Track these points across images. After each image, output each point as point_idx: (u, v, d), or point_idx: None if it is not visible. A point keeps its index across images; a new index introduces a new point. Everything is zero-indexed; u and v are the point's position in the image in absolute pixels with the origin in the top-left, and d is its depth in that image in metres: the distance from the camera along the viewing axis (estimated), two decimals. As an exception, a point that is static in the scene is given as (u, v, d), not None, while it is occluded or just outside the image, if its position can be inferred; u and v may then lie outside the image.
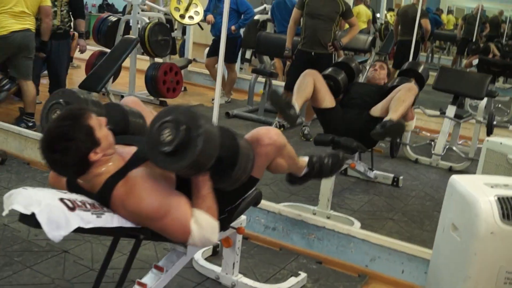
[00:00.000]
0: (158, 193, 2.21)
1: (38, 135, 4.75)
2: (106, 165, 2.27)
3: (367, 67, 8.27)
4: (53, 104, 2.50)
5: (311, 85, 4.27)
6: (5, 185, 4.29)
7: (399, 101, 4.10)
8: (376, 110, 4.24)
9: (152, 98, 7.57)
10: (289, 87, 5.96)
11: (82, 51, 6.20)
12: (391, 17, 13.61)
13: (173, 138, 2.13)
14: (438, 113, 6.29)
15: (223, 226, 2.63)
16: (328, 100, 4.36)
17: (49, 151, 2.17)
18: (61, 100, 2.52)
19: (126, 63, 7.13)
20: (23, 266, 3.15)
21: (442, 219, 2.90)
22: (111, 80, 6.57)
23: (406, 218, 4.36)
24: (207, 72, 8.42)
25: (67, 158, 2.17)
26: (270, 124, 6.65)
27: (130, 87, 7.74)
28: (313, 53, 5.98)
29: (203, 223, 2.29)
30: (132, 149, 2.40)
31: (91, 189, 2.29)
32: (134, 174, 2.25)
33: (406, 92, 4.14)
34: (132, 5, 7.87)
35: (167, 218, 2.22)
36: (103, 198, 2.26)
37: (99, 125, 2.25)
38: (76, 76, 8.58)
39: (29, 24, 5.44)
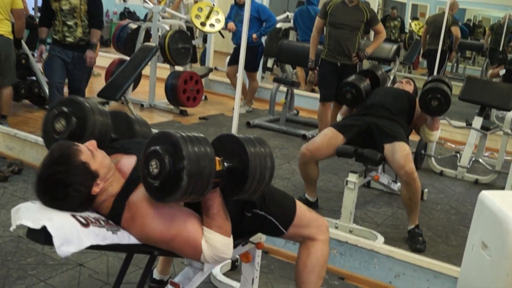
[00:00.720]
0: (162, 216, 2.11)
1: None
2: (109, 188, 2.18)
3: (391, 77, 8.14)
4: (59, 114, 2.39)
5: (313, 167, 4.28)
6: (21, 195, 4.23)
7: (409, 203, 4.01)
8: (387, 150, 4.00)
9: (172, 107, 7.50)
10: (326, 98, 5.93)
11: (89, 63, 5.66)
12: (415, 26, 13.47)
13: (159, 171, 1.99)
14: (464, 124, 6.16)
15: (243, 225, 2.52)
16: (338, 144, 4.16)
17: (49, 199, 2.07)
18: (65, 109, 2.41)
19: (146, 71, 7.09)
20: (37, 280, 3.08)
21: (471, 236, 2.77)
22: (130, 88, 6.52)
23: (431, 233, 4.23)
24: (228, 81, 8.34)
25: (69, 203, 2.08)
26: (290, 134, 6.57)
27: (150, 96, 7.69)
28: (338, 64, 5.83)
29: (213, 243, 2.18)
30: (131, 161, 2.29)
31: (101, 211, 2.21)
32: (135, 197, 2.15)
33: (406, 187, 3.94)
34: (152, 13, 7.83)
35: (175, 240, 2.13)
36: (113, 219, 2.18)
37: (92, 154, 2.14)
38: (96, 84, 8.54)
39: (3, 29, 5.58)
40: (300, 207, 2.61)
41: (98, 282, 3.13)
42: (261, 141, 2.25)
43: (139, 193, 2.14)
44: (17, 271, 3.15)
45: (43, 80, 6.58)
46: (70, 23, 5.43)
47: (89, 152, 2.13)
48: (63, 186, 2.05)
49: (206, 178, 2.01)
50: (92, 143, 2.19)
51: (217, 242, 2.17)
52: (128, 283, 2.94)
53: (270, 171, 2.21)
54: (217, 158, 2.10)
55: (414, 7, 16.61)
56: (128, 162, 2.29)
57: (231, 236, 2.24)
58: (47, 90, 6.34)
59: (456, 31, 8.94)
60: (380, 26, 6.01)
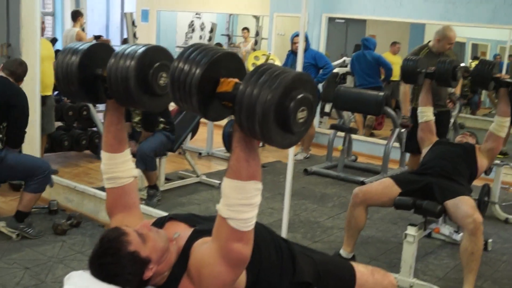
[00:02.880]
0: (213, 247, 2.01)
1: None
2: (165, 267, 2.14)
3: (451, 120, 7.99)
4: (159, 66, 2.22)
5: (361, 212, 4.14)
6: (78, 249, 4.27)
7: (469, 260, 3.76)
8: (450, 205, 3.89)
9: (229, 155, 7.49)
10: (411, 150, 5.83)
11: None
12: (476, 66, 13.21)
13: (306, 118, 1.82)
14: (529, 168, 5.96)
15: None
16: (391, 197, 4.07)
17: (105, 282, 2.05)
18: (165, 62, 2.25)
19: (204, 119, 7.13)
20: None
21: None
22: (188, 137, 6.56)
23: (497, 286, 4.07)
24: (285, 127, 8.31)
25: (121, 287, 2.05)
26: (349, 180, 6.48)
27: (207, 144, 7.73)
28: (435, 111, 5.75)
29: (224, 192, 1.93)
30: (190, 231, 2.24)
31: (156, 284, 2.17)
32: (193, 261, 2.09)
33: (470, 238, 3.76)
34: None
35: (218, 244, 1.99)
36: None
37: (143, 240, 2.09)
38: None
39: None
40: (361, 273, 2.52)
41: None
42: (276, 73, 1.77)
43: (195, 254, 2.10)
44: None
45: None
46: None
47: (139, 239, 2.08)
48: (113, 275, 2.03)
49: (187, 86, 1.82)
50: (145, 224, 2.16)
51: (225, 189, 1.94)
52: None
53: (264, 106, 1.72)
54: (229, 79, 1.87)
55: (474, 46, 16.35)
56: (188, 232, 2.23)
57: (250, 179, 1.90)
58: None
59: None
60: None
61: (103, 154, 2.36)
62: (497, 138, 4.43)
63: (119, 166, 2.35)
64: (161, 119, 5.61)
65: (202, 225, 2.28)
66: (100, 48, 2.35)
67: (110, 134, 2.33)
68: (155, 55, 2.22)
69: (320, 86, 7.95)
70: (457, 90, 5.84)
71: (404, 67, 5.00)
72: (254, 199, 1.92)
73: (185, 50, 1.89)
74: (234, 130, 1.88)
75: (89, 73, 2.28)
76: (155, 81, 2.20)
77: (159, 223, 2.31)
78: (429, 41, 5.66)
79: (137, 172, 2.44)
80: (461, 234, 4.59)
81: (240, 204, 1.90)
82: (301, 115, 1.80)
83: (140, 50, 2.17)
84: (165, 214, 2.91)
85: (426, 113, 4.70)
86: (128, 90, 2.17)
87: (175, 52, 14.42)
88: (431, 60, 5.44)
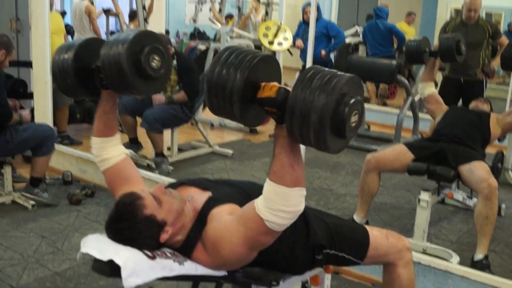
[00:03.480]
0: (237, 224, 2.03)
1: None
2: (180, 230, 2.17)
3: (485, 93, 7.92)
4: (150, 49, 2.26)
5: (374, 178, 4.14)
6: (93, 218, 4.32)
7: (484, 224, 3.74)
8: (464, 170, 3.90)
9: (242, 125, 7.52)
10: None
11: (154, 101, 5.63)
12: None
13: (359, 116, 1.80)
14: (542, 134, 5.92)
15: (315, 265, 2.48)
16: (404, 163, 4.06)
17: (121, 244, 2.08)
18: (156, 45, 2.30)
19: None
20: (109, 303, 3.12)
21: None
22: (200, 108, 6.57)
23: (509, 250, 4.08)
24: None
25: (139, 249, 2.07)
26: (362, 149, 6.47)
27: (220, 115, 7.73)
28: (462, 80, 5.77)
29: (264, 193, 1.91)
30: (205, 196, 2.25)
31: (172, 247, 2.20)
32: (209, 229, 2.12)
33: (485, 202, 3.76)
34: (220, 34, 7.90)
35: (245, 231, 2.01)
36: (184, 253, 2.17)
37: (158, 203, 2.12)
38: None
39: None
40: (375, 237, 2.51)
41: (169, 305, 3.14)
42: (330, 77, 1.73)
43: (211, 224, 2.12)
44: (89, 294, 3.22)
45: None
46: None
47: (154, 203, 2.11)
48: (130, 240, 2.06)
49: (228, 92, 1.80)
50: (160, 188, 2.18)
51: (268, 192, 1.90)
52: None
53: (320, 113, 1.69)
54: (271, 84, 1.85)
55: (488, 15, 16.17)
56: (203, 197, 2.25)
57: (294, 186, 1.89)
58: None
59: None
60: (503, 39, 5.92)
61: (93, 139, 2.40)
62: None
63: (109, 148, 2.38)
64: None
65: (216, 190, 2.30)
66: (94, 42, 2.41)
67: (101, 122, 2.37)
68: (145, 40, 2.26)
69: (332, 55, 7.91)
70: (494, 63, 5.79)
71: (407, 48, 4.97)
72: (298, 207, 1.92)
73: (221, 54, 1.87)
74: (278, 135, 1.86)
75: (84, 65, 2.32)
76: (148, 64, 2.23)
77: (171, 187, 2.33)
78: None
79: (128, 151, 2.48)
80: (474, 199, 4.59)
81: (284, 211, 1.90)
82: (354, 119, 1.77)
83: (131, 36, 2.21)
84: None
85: (427, 88, 4.66)
86: (121, 74, 2.19)
87: (184, 26, 14.41)
88: (459, 31, 5.48)
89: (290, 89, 1.80)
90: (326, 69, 1.78)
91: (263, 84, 1.84)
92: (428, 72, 4.72)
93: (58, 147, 5.25)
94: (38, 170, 4.57)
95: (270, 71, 1.89)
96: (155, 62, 2.26)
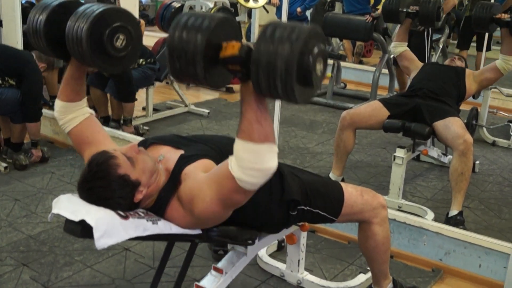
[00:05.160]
0: (210, 182, 2.00)
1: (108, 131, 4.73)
2: (154, 190, 2.15)
3: (440, 46, 7.92)
4: (115, 28, 2.20)
5: (349, 135, 4.12)
6: (67, 180, 4.28)
7: (458, 180, 3.75)
8: (439, 126, 3.91)
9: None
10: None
11: None
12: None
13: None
14: (516, 91, 5.95)
15: (290, 222, 2.48)
16: (379, 120, 4.06)
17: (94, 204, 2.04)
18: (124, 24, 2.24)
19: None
20: (84, 266, 3.11)
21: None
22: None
23: (483, 206, 4.12)
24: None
25: (112, 209, 2.04)
26: (338, 107, 6.46)
27: (195, 74, 7.66)
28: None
29: (236, 152, 1.86)
30: (177, 154, 2.23)
31: (145, 206, 2.18)
32: (185, 189, 2.10)
33: (461, 159, 3.76)
34: (196, -10, 7.80)
35: (219, 189, 1.97)
36: (156, 212, 2.15)
37: (131, 162, 2.09)
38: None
39: None
40: (350, 194, 2.52)
41: (144, 266, 3.13)
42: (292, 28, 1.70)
43: (185, 182, 2.11)
44: (64, 257, 3.19)
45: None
46: None
47: (128, 162, 2.08)
48: (104, 199, 2.03)
49: (190, 54, 1.75)
50: (133, 147, 2.15)
51: (238, 151, 1.85)
52: (175, 267, 2.93)
53: (286, 60, 1.65)
54: (232, 42, 1.80)
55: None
56: (175, 156, 2.22)
57: (263, 142, 1.83)
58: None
59: None
60: None
61: (57, 102, 2.35)
62: (497, 72, 4.38)
63: (73, 110, 2.35)
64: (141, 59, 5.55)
65: (189, 148, 2.28)
66: (71, 4, 2.32)
67: (68, 87, 2.33)
68: (113, 17, 2.19)
69: (308, 13, 7.84)
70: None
71: (385, 7, 4.96)
72: (269, 164, 1.84)
73: (180, 19, 1.82)
74: (244, 92, 1.83)
75: (56, 29, 2.26)
76: (110, 42, 2.18)
77: (142, 146, 2.29)
78: None
79: (92, 111, 2.44)
80: (449, 156, 4.61)
81: (254, 169, 1.84)
82: (319, 67, 1.75)
83: (97, 11, 2.14)
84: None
85: (399, 47, 4.68)
86: (82, 51, 2.15)
87: None
88: None
89: (251, 45, 1.76)
90: (286, 22, 1.75)
91: (224, 44, 1.80)
92: (402, 32, 4.72)
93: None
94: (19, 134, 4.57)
95: (230, 32, 1.85)
96: (119, 41, 2.21)
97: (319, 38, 1.76)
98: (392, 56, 6.23)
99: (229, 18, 1.88)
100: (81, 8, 2.19)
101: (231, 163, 1.88)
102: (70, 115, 2.34)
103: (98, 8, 2.16)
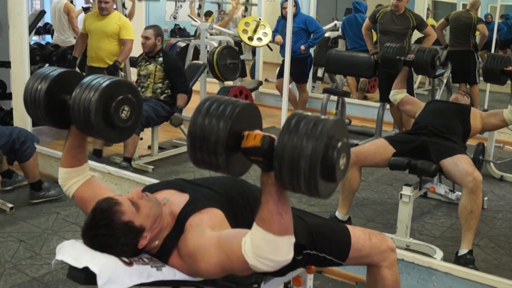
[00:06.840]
0: (219, 249, 1.99)
1: (114, 171, 4.74)
2: (158, 234, 2.12)
3: (444, 80, 7.95)
4: (121, 99, 2.25)
5: (354, 174, 4.08)
6: (73, 220, 4.25)
7: (468, 218, 3.69)
8: (447, 164, 3.85)
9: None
10: (385, 99, 6.21)
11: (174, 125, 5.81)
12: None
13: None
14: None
15: (296, 266, 2.44)
16: (385, 157, 4.02)
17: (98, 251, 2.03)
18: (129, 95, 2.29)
19: (197, 86, 7.11)
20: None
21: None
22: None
23: (493, 244, 4.06)
24: (278, 93, 8.26)
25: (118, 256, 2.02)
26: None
27: (201, 112, 7.69)
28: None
29: (253, 239, 1.86)
30: (183, 199, 2.21)
31: (150, 252, 2.15)
32: (186, 237, 2.08)
33: (470, 196, 3.70)
34: (200, 30, 7.87)
35: (223, 252, 1.97)
36: (160, 258, 2.13)
37: (136, 208, 2.06)
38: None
39: None
40: (357, 237, 2.47)
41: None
42: (317, 121, 1.69)
43: (190, 234, 2.08)
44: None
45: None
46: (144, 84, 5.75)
47: (133, 208, 2.05)
48: (108, 247, 2.01)
49: (212, 145, 1.76)
50: (137, 192, 2.12)
51: (256, 238, 1.85)
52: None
53: (310, 160, 1.65)
54: (255, 132, 1.80)
55: (465, 6, 16.13)
56: (180, 200, 2.21)
57: (283, 234, 1.84)
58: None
59: (483, 29, 8.21)
60: (429, 29, 6.35)
61: (60, 170, 2.37)
62: (503, 122, 4.38)
63: (76, 175, 2.35)
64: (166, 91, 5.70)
65: (194, 192, 2.25)
66: (70, 75, 2.36)
67: (69, 155, 2.35)
68: (119, 88, 2.24)
69: (311, 50, 7.88)
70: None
71: (383, 54, 5.07)
72: (286, 256, 1.86)
73: (202, 105, 1.82)
74: (265, 183, 1.82)
75: (56, 99, 2.29)
76: (117, 113, 2.22)
77: (148, 191, 2.27)
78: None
79: (97, 174, 2.46)
80: (456, 193, 4.58)
81: (270, 259, 1.85)
82: (342, 162, 1.75)
83: (105, 83, 2.18)
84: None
85: (398, 94, 4.74)
86: (89, 122, 2.17)
87: (165, 23, 14.33)
88: (387, 19, 6.24)
89: (274, 136, 1.78)
90: (310, 113, 1.74)
91: (246, 133, 1.80)
92: (401, 81, 4.80)
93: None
94: (31, 174, 4.56)
95: (252, 119, 1.85)
96: (125, 113, 2.25)
97: (342, 131, 1.76)
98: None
99: (250, 104, 1.87)
100: (87, 80, 2.21)
101: (245, 246, 1.87)
102: (72, 180, 2.35)
103: (105, 79, 2.20)
